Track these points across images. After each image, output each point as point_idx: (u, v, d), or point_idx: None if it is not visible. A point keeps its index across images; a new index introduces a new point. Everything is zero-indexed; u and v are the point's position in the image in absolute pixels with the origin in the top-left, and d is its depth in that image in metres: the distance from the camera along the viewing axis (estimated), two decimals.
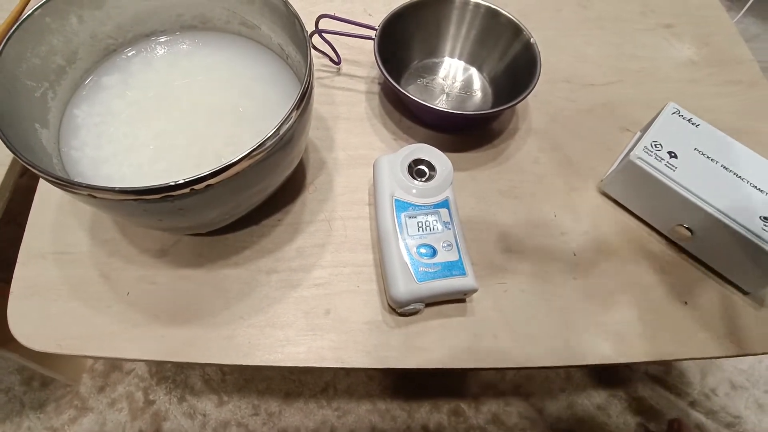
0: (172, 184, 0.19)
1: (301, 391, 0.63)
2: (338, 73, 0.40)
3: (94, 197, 0.20)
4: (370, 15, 0.43)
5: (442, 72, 0.40)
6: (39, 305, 0.28)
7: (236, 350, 0.28)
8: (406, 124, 0.37)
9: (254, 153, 0.21)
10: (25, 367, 0.57)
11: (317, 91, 0.39)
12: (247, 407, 0.62)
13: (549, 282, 0.31)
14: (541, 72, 0.34)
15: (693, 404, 0.66)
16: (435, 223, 0.29)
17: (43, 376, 0.61)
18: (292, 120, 0.23)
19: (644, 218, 0.34)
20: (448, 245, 0.29)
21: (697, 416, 0.65)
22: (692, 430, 0.60)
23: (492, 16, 0.37)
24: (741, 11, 0.94)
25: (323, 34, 0.36)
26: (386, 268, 0.28)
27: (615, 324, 0.30)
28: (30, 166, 0.20)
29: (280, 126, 0.22)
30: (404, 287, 0.27)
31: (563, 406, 0.65)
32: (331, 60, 0.39)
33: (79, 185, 0.19)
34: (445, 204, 0.30)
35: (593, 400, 0.65)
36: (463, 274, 0.28)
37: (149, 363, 0.65)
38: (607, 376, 0.68)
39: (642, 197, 0.33)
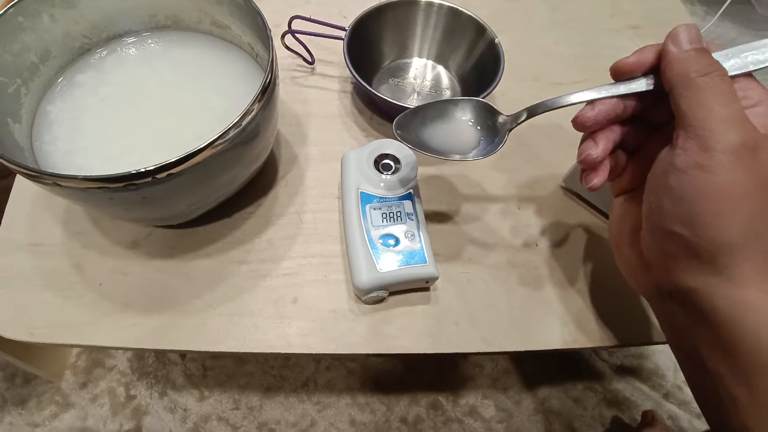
0: (134, 171, 0.20)
1: (281, 385, 0.64)
2: (312, 72, 0.41)
3: (60, 185, 0.21)
4: (344, 17, 0.45)
5: (412, 72, 0.41)
6: (12, 295, 0.29)
7: (206, 337, 0.28)
8: (377, 122, 0.39)
9: (216, 143, 0.22)
10: (8, 364, 0.57)
11: (291, 90, 0.40)
12: (228, 401, 0.63)
13: (511, 272, 0.33)
14: (504, 70, 0.36)
15: (666, 396, 0.68)
16: (399, 214, 0.30)
17: (25, 373, 0.61)
18: (254, 112, 0.24)
19: (604, 210, 0.36)
20: (411, 235, 0.30)
21: (671, 407, 0.67)
22: (665, 421, 0.62)
23: (454, 15, 0.38)
24: (716, 15, 0.97)
25: (296, 35, 0.38)
26: (350, 258, 0.29)
27: (575, 311, 0.31)
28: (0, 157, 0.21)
29: (242, 117, 0.23)
30: (367, 275, 0.28)
31: (540, 399, 0.66)
32: (305, 60, 0.41)
33: (45, 173, 0.20)
34: (409, 196, 0.31)
35: (570, 393, 0.67)
36: (424, 262, 0.29)
37: (130, 359, 0.65)
38: (583, 369, 0.70)
39: (601, 191, 0.35)
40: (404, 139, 0.27)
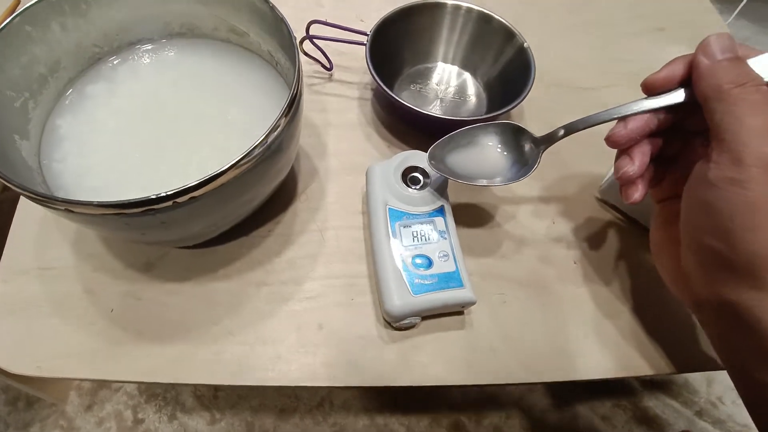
0: (154, 197, 0.18)
1: (296, 406, 0.62)
2: (330, 79, 0.39)
3: (72, 212, 0.19)
4: (362, 21, 0.43)
5: (435, 77, 0.39)
6: (19, 324, 0.27)
7: (225, 369, 0.26)
8: (399, 131, 0.37)
9: (241, 163, 0.20)
10: (9, 386, 0.55)
11: (308, 98, 0.38)
12: (241, 425, 0.60)
13: (549, 292, 0.30)
14: (535, 77, 0.34)
15: (700, 413, 0.64)
16: (430, 232, 0.28)
17: (28, 396, 0.59)
18: (280, 128, 0.22)
19: (645, 224, 0.33)
20: (445, 255, 0.28)
21: (705, 426, 0.63)
22: None
23: (485, 21, 0.36)
24: (732, 14, 0.95)
25: (314, 40, 0.36)
26: (380, 281, 0.27)
27: (619, 335, 0.29)
28: (5, 180, 0.19)
29: (268, 134, 0.21)
30: (399, 301, 0.26)
31: (567, 418, 0.63)
32: (323, 66, 0.39)
33: (56, 200, 0.18)
34: (440, 212, 0.29)
35: (597, 411, 0.64)
36: (461, 285, 0.27)
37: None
38: (611, 385, 0.67)
39: (642, 203, 0.32)
40: (439, 170, 0.27)
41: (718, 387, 0.67)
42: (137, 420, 0.60)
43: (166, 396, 0.61)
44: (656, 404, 0.64)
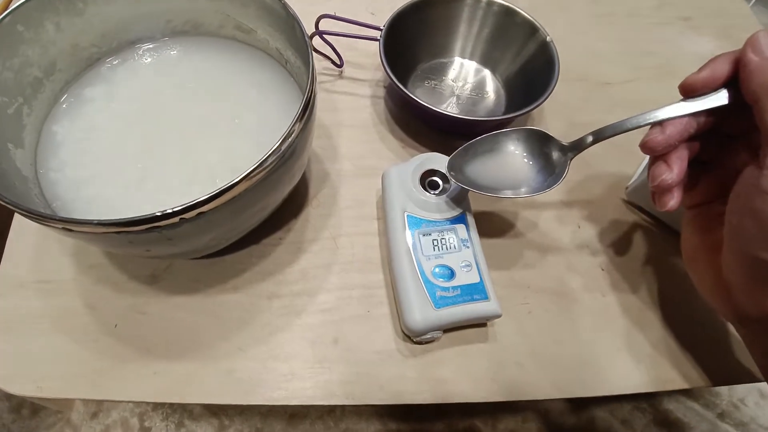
0: (159, 214, 0.16)
1: (306, 412, 0.60)
2: (340, 76, 0.38)
3: (71, 230, 0.17)
4: (372, 14, 0.41)
5: (451, 73, 0.37)
6: (17, 342, 0.25)
7: (236, 387, 0.25)
8: (414, 130, 0.35)
9: (253, 173, 0.19)
10: (13, 394, 0.54)
11: (319, 97, 0.36)
12: (250, 431, 0.59)
13: (576, 301, 0.29)
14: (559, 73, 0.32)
15: (722, 416, 0.63)
16: (452, 240, 0.27)
17: (32, 404, 0.58)
18: (294, 134, 0.20)
19: (676, 227, 0.31)
20: (467, 265, 0.26)
21: (727, 429, 0.62)
22: None
23: (506, 14, 0.34)
24: (751, 1, 0.92)
25: (324, 36, 0.34)
26: (400, 294, 0.25)
27: (650, 346, 0.27)
28: None
29: (282, 141, 0.19)
30: (421, 315, 0.24)
31: (584, 421, 0.61)
32: (333, 63, 0.37)
33: (52, 218, 0.17)
34: (462, 219, 0.27)
35: (616, 414, 0.62)
36: (485, 298, 0.25)
37: None
38: None
39: None
40: (460, 182, 0.26)
41: (740, 388, 0.65)
42: (144, 428, 0.59)
43: (173, 403, 0.60)
44: (677, 407, 0.63)
